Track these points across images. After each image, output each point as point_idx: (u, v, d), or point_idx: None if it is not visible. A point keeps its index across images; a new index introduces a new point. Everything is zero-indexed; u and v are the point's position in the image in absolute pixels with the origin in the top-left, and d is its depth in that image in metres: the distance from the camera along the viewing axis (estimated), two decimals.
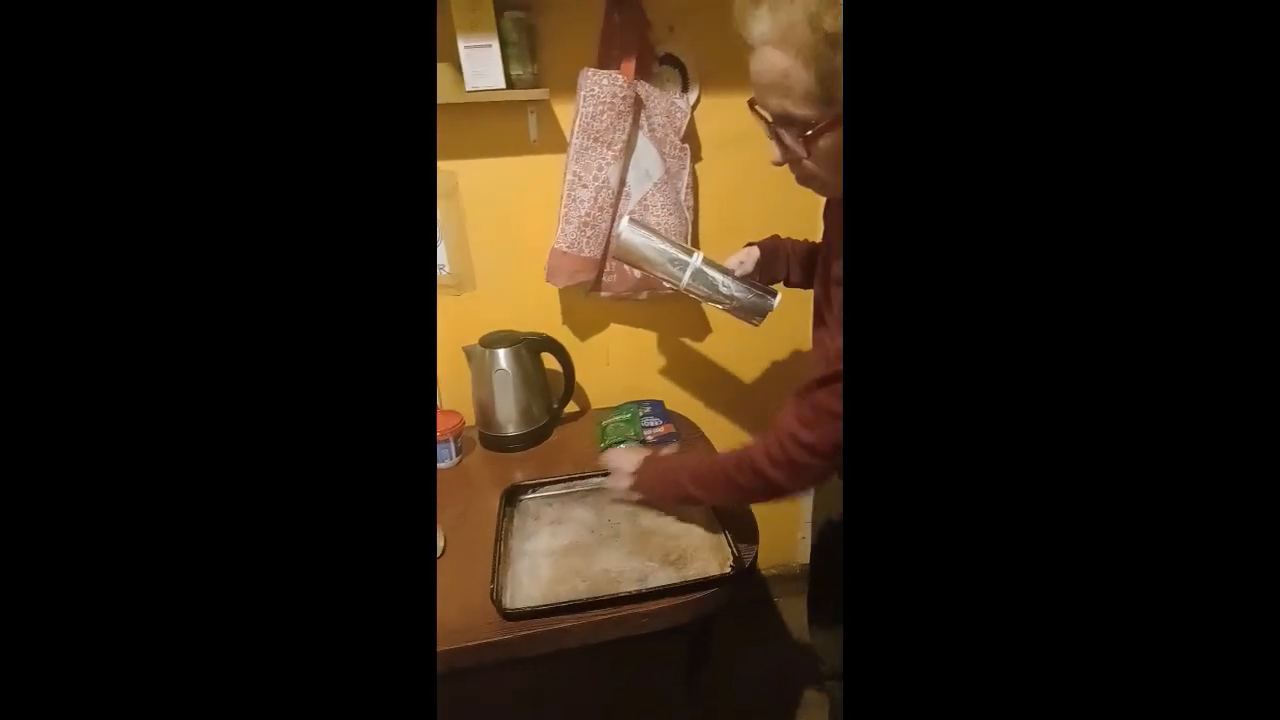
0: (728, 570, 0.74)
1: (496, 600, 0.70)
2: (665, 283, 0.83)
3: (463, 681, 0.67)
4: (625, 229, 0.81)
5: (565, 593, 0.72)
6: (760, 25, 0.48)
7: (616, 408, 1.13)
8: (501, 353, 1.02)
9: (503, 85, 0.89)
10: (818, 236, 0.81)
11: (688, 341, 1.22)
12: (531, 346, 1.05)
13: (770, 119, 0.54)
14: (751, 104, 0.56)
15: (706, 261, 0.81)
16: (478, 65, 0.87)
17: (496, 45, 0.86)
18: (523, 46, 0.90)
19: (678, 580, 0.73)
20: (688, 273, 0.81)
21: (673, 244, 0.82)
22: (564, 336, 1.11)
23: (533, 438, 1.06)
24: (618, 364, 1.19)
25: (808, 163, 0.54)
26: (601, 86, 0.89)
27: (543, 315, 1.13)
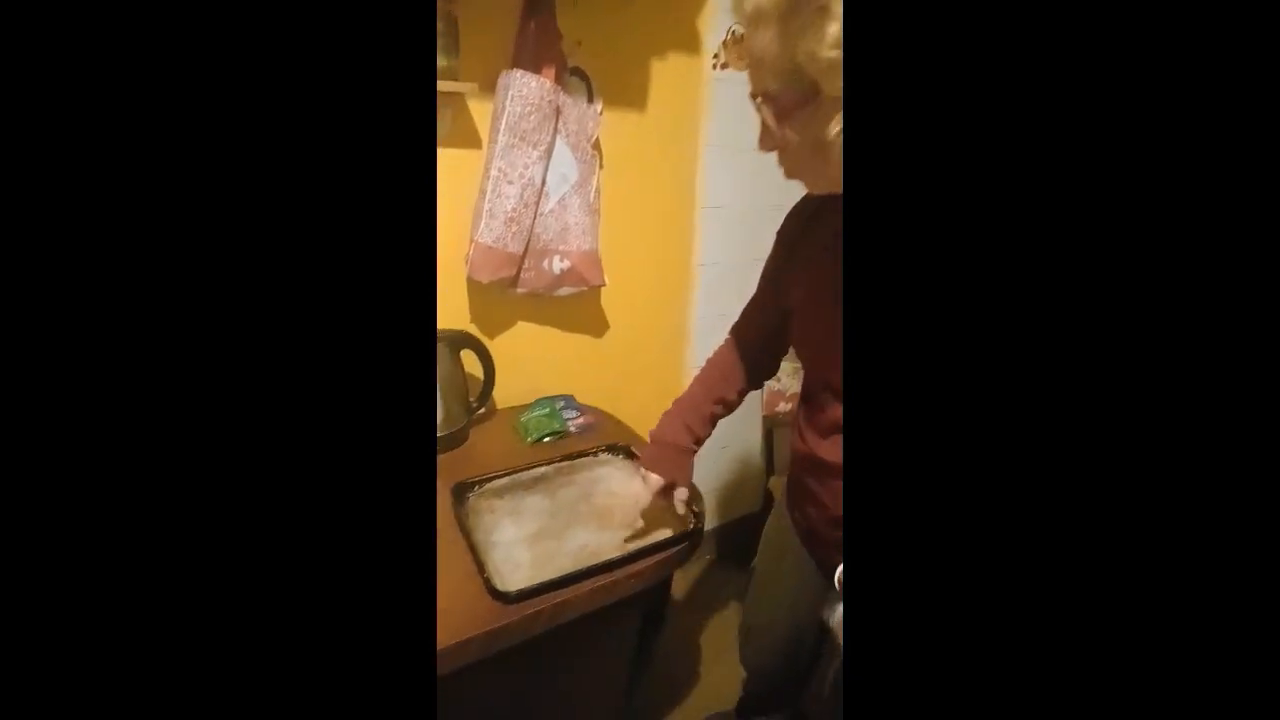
0: (690, 526, 0.83)
1: (492, 587, 0.69)
2: None
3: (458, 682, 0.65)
4: None
5: (553, 571, 0.74)
6: (749, 4, 0.51)
7: (531, 405, 1.15)
8: None
9: None
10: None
11: (588, 337, 1.29)
12: (452, 344, 1.01)
13: (759, 100, 0.55)
14: (752, 96, 0.56)
15: None
16: None
17: None
18: (449, 37, 0.89)
19: (652, 541, 0.80)
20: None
21: None
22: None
23: (453, 440, 1.03)
24: (524, 361, 1.20)
25: (791, 144, 0.54)
26: (530, 89, 0.93)
27: (450, 313, 1.10)
